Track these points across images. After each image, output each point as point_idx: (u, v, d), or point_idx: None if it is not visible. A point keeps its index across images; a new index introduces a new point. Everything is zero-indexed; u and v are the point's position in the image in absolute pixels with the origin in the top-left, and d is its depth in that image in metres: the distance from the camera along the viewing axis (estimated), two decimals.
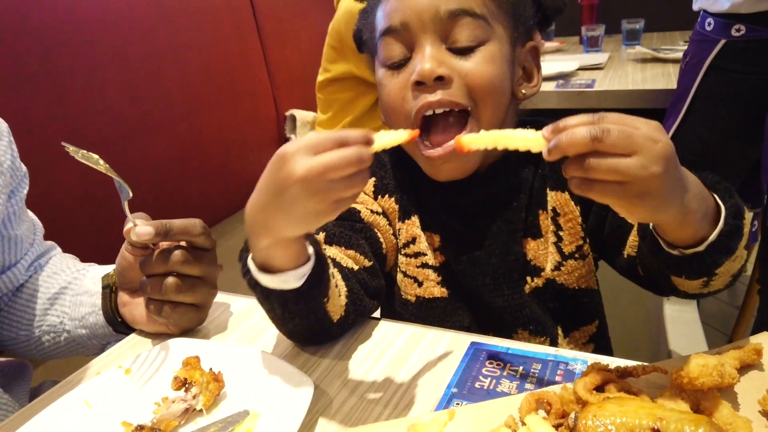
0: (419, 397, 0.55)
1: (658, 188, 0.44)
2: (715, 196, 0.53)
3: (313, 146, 0.46)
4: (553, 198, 0.73)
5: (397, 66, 0.66)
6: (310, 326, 0.61)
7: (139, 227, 0.62)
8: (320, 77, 1.95)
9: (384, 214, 0.76)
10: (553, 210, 0.73)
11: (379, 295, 0.72)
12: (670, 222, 0.50)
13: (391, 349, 0.63)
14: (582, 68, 1.87)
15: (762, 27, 1.11)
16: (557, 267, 0.73)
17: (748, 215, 0.56)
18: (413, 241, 0.76)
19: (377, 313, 0.83)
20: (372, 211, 0.75)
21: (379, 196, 0.76)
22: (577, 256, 0.74)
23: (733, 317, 1.90)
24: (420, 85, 0.62)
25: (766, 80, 1.12)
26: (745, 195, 1.36)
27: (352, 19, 1.75)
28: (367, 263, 0.70)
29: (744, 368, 0.52)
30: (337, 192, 0.46)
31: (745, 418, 0.45)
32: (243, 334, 0.69)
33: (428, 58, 0.62)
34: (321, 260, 0.56)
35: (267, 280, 0.54)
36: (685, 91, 1.24)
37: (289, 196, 0.46)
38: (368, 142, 0.47)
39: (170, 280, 0.64)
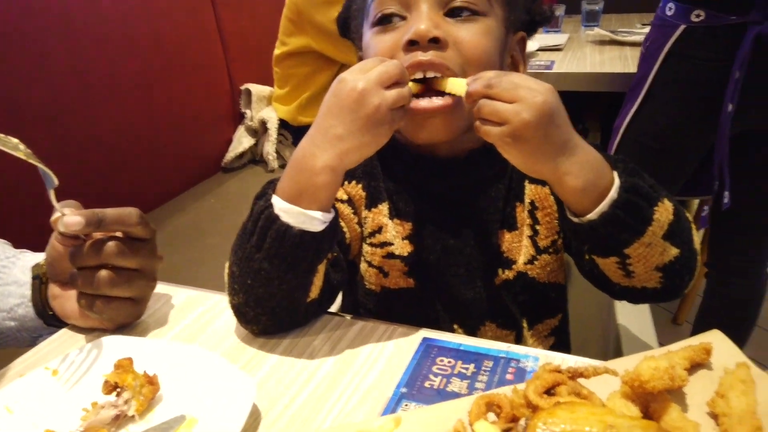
0: (368, 397, 0.53)
1: (530, 135, 0.52)
2: (615, 173, 0.57)
3: (362, 67, 0.56)
4: (532, 191, 0.72)
5: (389, 23, 0.64)
6: (291, 293, 0.60)
7: (68, 217, 0.57)
8: (277, 50, 1.89)
9: (350, 201, 0.73)
10: (531, 203, 0.72)
11: (338, 289, 0.70)
12: (548, 177, 0.56)
13: (340, 345, 0.61)
14: (542, 49, 1.86)
15: (721, 13, 1.11)
16: (531, 261, 0.72)
17: (665, 208, 0.57)
18: (380, 230, 0.73)
19: (337, 302, 0.81)
20: (337, 199, 0.72)
21: (346, 182, 0.73)
22: (551, 250, 0.73)
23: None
24: (413, 45, 0.61)
25: (724, 67, 1.12)
26: (699, 181, 1.39)
27: None
28: (331, 254, 0.68)
29: (694, 367, 0.52)
30: (391, 98, 0.55)
31: (694, 422, 0.44)
32: (184, 328, 0.66)
33: (425, 19, 0.61)
34: (336, 217, 0.61)
35: (293, 214, 0.56)
36: (644, 76, 1.24)
37: (354, 108, 0.54)
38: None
39: (103, 273, 0.59)
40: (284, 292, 0.59)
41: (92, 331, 0.65)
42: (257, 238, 0.57)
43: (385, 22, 0.64)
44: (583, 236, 0.59)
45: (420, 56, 0.60)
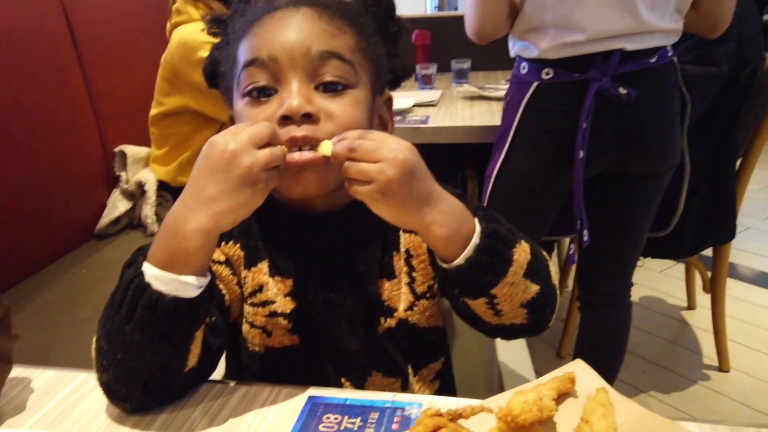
0: None
1: (395, 191, 0.56)
2: (476, 219, 0.62)
3: (233, 130, 0.57)
4: (407, 239, 0.75)
5: (261, 97, 0.64)
6: (166, 364, 0.57)
7: None
8: (153, 111, 1.84)
9: (228, 262, 0.72)
10: (407, 251, 0.75)
11: (219, 354, 0.68)
12: (417, 227, 0.60)
13: (221, 414, 0.58)
14: (417, 105, 1.97)
15: (566, 71, 1.24)
16: (410, 307, 0.74)
17: (522, 249, 0.63)
18: (260, 289, 0.72)
19: (220, 368, 0.78)
20: (214, 261, 0.70)
21: (223, 243, 0.72)
22: (428, 295, 0.75)
23: (560, 331, 2.08)
24: (286, 120, 0.62)
25: (573, 118, 1.25)
26: (565, 221, 1.51)
27: (186, 51, 1.68)
28: (209, 319, 0.65)
29: (561, 396, 0.55)
30: (265, 159, 0.56)
31: None
32: (46, 414, 0.60)
33: (297, 95, 0.62)
34: (213, 280, 0.60)
35: (166, 281, 0.55)
36: (507, 128, 1.35)
37: (225, 169, 0.55)
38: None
39: None
40: (158, 363, 0.57)
41: None
42: (127, 309, 0.55)
43: (256, 94, 0.65)
44: (453, 281, 0.63)
45: (294, 132, 0.61)
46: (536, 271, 0.65)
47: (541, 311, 0.67)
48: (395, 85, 0.80)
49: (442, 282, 0.72)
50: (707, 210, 1.71)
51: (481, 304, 0.64)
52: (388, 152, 0.56)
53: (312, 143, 0.62)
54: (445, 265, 0.62)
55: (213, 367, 0.67)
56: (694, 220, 1.71)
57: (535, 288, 0.65)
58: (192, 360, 0.60)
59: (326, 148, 0.60)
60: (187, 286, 0.56)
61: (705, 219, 1.72)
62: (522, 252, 0.63)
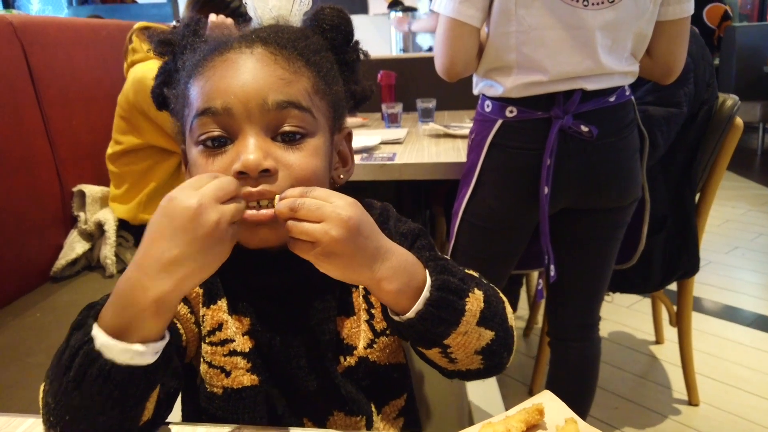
0: None
1: (341, 250, 0.54)
2: (427, 272, 0.60)
3: (194, 183, 0.53)
4: None
5: (216, 146, 0.62)
6: (119, 425, 0.53)
7: None
8: (110, 150, 1.81)
9: (186, 300, 0.69)
10: (365, 289, 0.73)
11: (175, 397, 0.63)
12: (366, 284, 0.58)
13: None
14: (384, 142, 1.98)
15: (529, 109, 1.27)
16: (370, 344, 0.72)
17: (475, 298, 0.62)
18: (219, 327, 0.69)
19: (177, 411, 0.74)
20: None
21: None
22: (388, 332, 0.73)
23: (531, 368, 2.07)
24: (243, 175, 0.59)
25: (537, 155, 1.26)
26: (532, 255, 1.51)
27: (142, 87, 1.67)
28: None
29: (530, 429, 0.54)
30: (230, 214, 0.52)
31: None
32: None
33: (253, 149, 0.59)
34: (169, 340, 0.56)
35: (119, 351, 0.50)
36: (473, 165, 1.36)
37: (189, 229, 0.50)
38: None
39: None
40: (110, 426, 0.52)
41: None
42: (75, 375, 0.50)
43: (210, 144, 0.62)
44: (405, 332, 0.61)
45: (250, 188, 0.59)
46: (491, 317, 0.63)
47: (497, 356, 0.65)
48: (355, 108, 0.79)
49: (395, 332, 0.70)
50: (672, 244, 1.75)
51: (435, 353, 0.63)
52: (331, 211, 0.54)
53: (269, 197, 0.60)
54: (396, 318, 0.60)
55: (169, 411, 0.63)
56: (660, 255, 1.75)
57: (489, 334, 0.63)
58: (147, 415, 0.56)
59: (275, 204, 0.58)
60: (143, 354, 0.51)
61: (670, 253, 1.76)
62: (475, 301, 0.62)
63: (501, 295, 0.68)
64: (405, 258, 0.59)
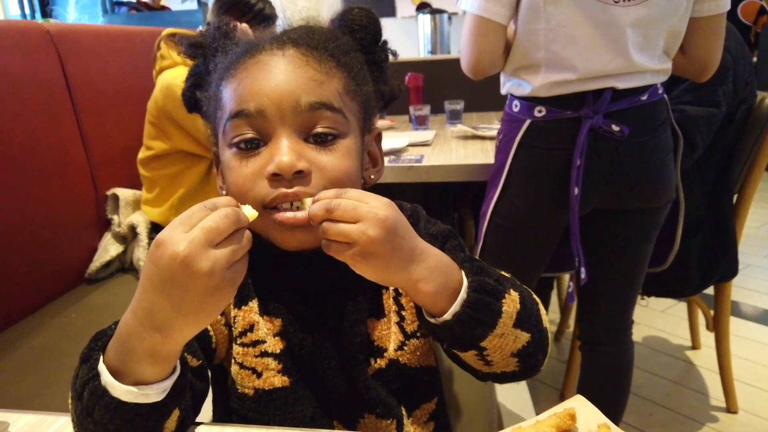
0: None
1: (379, 251, 0.52)
2: (463, 273, 0.60)
3: (185, 222, 0.47)
4: None
5: (249, 149, 0.62)
6: None
7: None
8: (141, 155, 1.85)
9: None
10: (395, 290, 0.73)
11: (203, 399, 0.64)
12: (402, 285, 0.57)
13: None
14: (412, 144, 1.97)
15: (558, 109, 1.24)
16: (400, 347, 0.72)
17: (512, 299, 0.61)
18: (251, 328, 0.69)
19: (208, 412, 0.74)
20: None
21: None
22: (419, 334, 0.73)
23: (563, 372, 2.03)
24: (277, 177, 0.59)
25: (567, 155, 1.24)
26: (562, 257, 1.49)
27: (170, 93, 1.69)
28: (195, 362, 0.63)
29: None
30: (227, 257, 0.47)
31: None
32: None
33: (287, 151, 0.60)
34: (184, 371, 0.55)
35: (123, 391, 0.49)
36: (501, 166, 1.34)
37: (178, 281, 0.46)
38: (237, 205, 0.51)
39: None
40: None
41: None
42: (86, 405, 0.51)
43: (243, 146, 0.63)
44: (441, 335, 0.61)
45: (285, 190, 0.60)
46: (526, 319, 0.62)
47: (533, 358, 0.64)
48: (384, 107, 0.79)
49: (430, 334, 0.68)
50: (709, 247, 1.71)
51: (471, 356, 0.62)
52: (368, 211, 0.52)
53: (304, 199, 0.60)
54: (432, 320, 0.60)
55: (197, 412, 0.63)
56: (697, 258, 1.70)
57: (525, 336, 0.62)
58: (170, 426, 0.56)
59: (306, 205, 0.58)
60: (148, 395, 0.51)
61: (708, 257, 1.72)
62: (511, 302, 0.61)
63: (535, 296, 0.67)
64: (440, 259, 0.59)
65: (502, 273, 0.66)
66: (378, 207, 0.53)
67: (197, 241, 0.46)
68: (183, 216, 0.48)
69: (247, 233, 0.50)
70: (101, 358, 0.51)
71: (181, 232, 0.46)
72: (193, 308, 0.47)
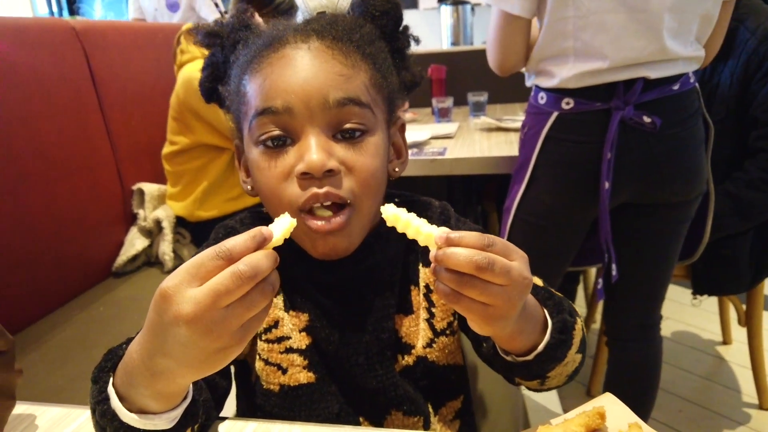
0: None
1: (513, 315, 0.49)
2: (545, 311, 0.59)
3: (195, 273, 0.41)
4: (426, 274, 0.72)
5: (276, 146, 0.61)
6: None
7: None
8: (165, 150, 1.87)
9: None
10: (426, 287, 0.72)
11: (225, 396, 0.64)
12: (504, 338, 0.56)
13: None
14: (434, 137, 1.95)
15: (587, 100, 1.21)
16: (429, 344, 0.71)
17: (578, 329, 0.61)
18: (276, 324, 0.69)
19: (232, 407, 0.74)
20: None
21: None
22: (448, 332, 0.72)
23: (589, 367, 2.00)
24: (306, 175, 0.59)
25: (596, 148, 1.21)
26: (590, 250, 1.46)
27: (191, 88, 1.70)
28: None
29: None
30: (237, 318, 0.42)
31: None
32: None
33: (316, 149, 0.59)
34: (196, 397, 0.53)
35: (130, 419, 0.48)
36: (527, 160, 1.32)
37: (181, 340, 0.41)
38: (261, 243, 0.43)
39: None
40: None
41: None
42: (99, 422, 0.51)
43: (271, 144, 0.62)
44: (515, 371, 0.61)
45: (316, 190, 0.59)
46: (583, 341, 0.63)
47: (577, 373, 0.66)
48: (407, 94, 0.77)
49: (493, 365, 0.67)
50: (759, 242, 1.67)
51: (534, 384, 0.63)
52: (518, 274, 0.46)
53: (334, 199, 0.60)
54: (508, 358, 0.60)
55: (220, 409, 0.63)
56: (747, 254, 1.67)
57: (579, 358, 0.63)
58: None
59: (422, 237, 0.47)
60: (156, 424, 0.49)
61: (758, 251, 1.67)
62: (578, 332, 0.61)
63: (573, 306, 0.67)
64: (533, 303, 0.57)
65: (558, 294, 0.65)
66: (524, 269, 0.48)
67: (203, 305, 0.40)
68: (192, 264, 0.42)
69: (273, 277, 0.43)
70: (111, 380, 0.50)
71: (187, 287, 0.41)
72: (197, 363, 0.44)
